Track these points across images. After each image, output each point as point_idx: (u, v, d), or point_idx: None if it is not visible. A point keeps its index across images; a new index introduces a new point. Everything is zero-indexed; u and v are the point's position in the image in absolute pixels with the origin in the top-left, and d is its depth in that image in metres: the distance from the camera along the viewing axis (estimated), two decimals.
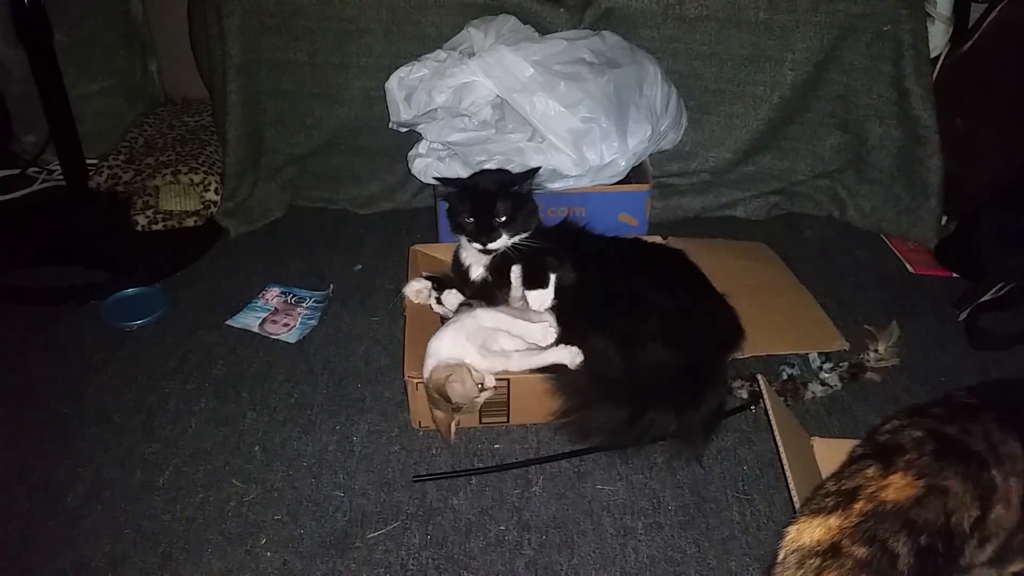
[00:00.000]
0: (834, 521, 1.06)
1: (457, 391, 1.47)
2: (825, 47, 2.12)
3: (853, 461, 1.16)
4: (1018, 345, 1.86)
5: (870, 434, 1.23)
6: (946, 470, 1.08)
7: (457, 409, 1.50)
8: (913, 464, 1.08)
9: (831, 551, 1.04)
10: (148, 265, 2.16)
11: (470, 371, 1.49)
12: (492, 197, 1.68)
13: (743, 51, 2.15)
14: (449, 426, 1.53)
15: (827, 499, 1.10)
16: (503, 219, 1.67)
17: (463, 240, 1.77)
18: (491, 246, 1.69)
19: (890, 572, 1.01)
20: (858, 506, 1.06)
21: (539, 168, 1.79)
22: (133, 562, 1.36)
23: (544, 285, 1.64)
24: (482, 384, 1.50)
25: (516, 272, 1.68)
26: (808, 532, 1.07)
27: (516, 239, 1.70)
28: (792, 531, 1.10)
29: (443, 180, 1.81)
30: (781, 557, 1.09)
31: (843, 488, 1.10)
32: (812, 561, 1.05)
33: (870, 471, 1.10)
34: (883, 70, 2.13)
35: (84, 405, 1.71)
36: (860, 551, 1.02)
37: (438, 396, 1.49)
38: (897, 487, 1.06)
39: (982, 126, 2.22)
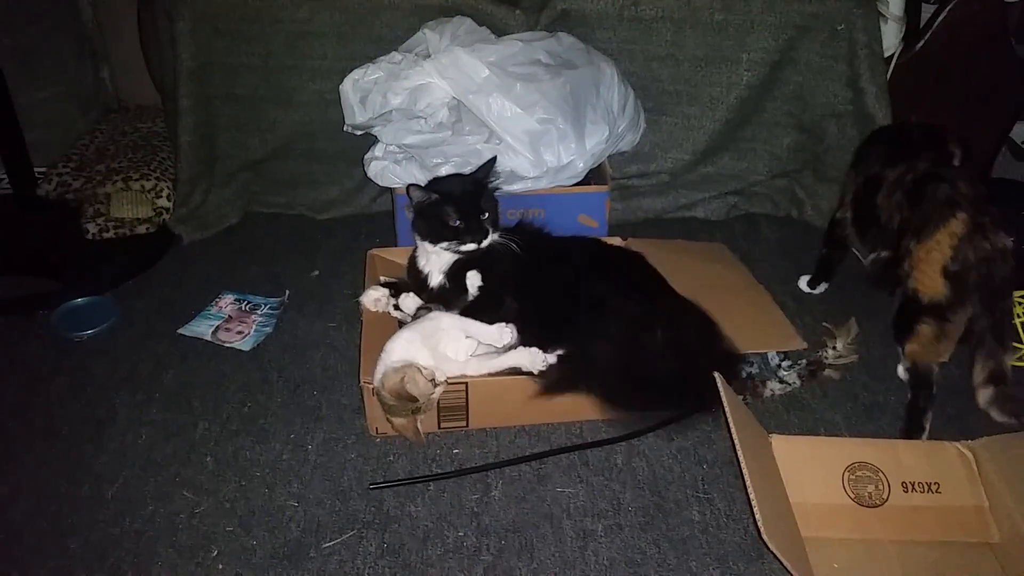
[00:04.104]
0: (961, 215, 1.60)
1: (415, 390, 1.46)
2: (780, 47, 2.13)
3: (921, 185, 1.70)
4: None
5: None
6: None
7: (417, 410, 1.48)
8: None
9: (975, 226, 1.59)
10: (99, 274, 2.11)
11: (419, 370, 1.47)
12: (475, 196, 1.70)
13: (699, 52, 2.16)
14: (414, 428, 1.51)
15: (941, 212, 1.63)
16: (486, 216, 1.69)
17: (421, 246, 1.75)
18: (484, 243, 1.69)
19: (1000, 221, 1.61)
20: (962, 200, 1.62)
21: (495, 157, 1.79)
22: None
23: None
24: (434, 379, 1.49)
25: (472, 277, 1.67)
26: (954, 226, 1.60)
27: (495, 236, 1.72)
28: (941, 234, 1.61)
29: (419, 187, 1.71)
30: (948, 252, 1.59)
31: (938, 201, 1.65)
32: (970, 235, 1.59)
33: (942, 187, 1.66)
34: (838, 69, 2.15)
35: (30, 418, 1.66)
36: (986, 218, 1.60)
37: (396, 402, 1.47)
38: (964, 185, 1.65)
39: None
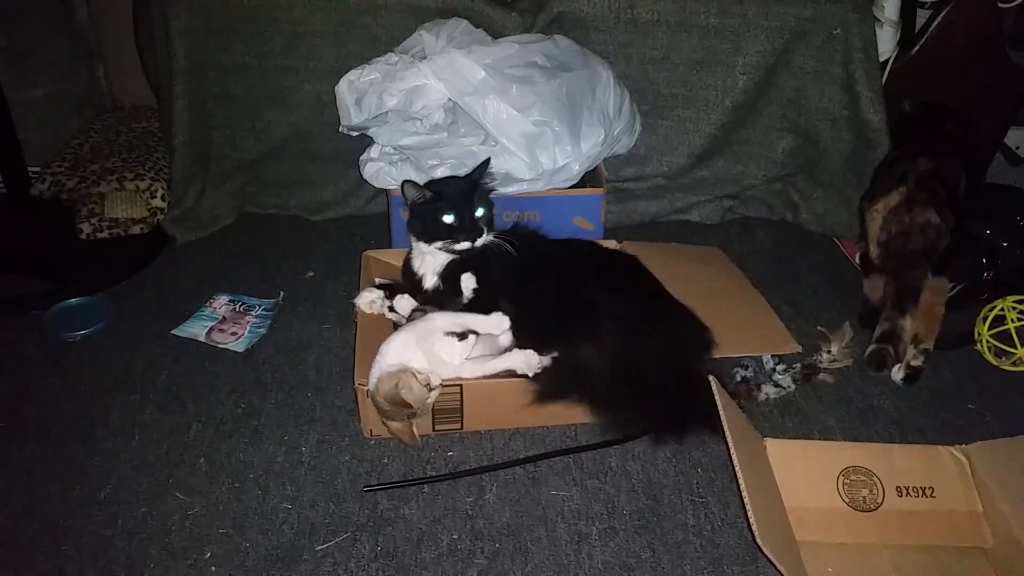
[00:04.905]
0: (902, 189, 1.81)
1: (410, 396, 1.45)
2: (776, 51, 2.13)
3: (893, 163, 1.93)
4: (967, 345, 1.88)
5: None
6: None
7: (413, 415, 1.48)
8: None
9: (908, 200, 1.80)
10: (93, 274, 2.10)
11: (414, 375, 1.46)
12: (469, 195, 1.69)
13: (695, 55, 2.16)
14: (410, 432, 1.51)
15: (889, 183, 1.85)
16: (481, 214, 1.69)
17: (416, 247, 1.75)
18: (479, 243, 1.69)
19: (942, 200, 1.78)
20: (911, 176, 1.82)
21: (489, 158, 1.78)
22: None
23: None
24: (429, 384, 1.48)
25: (467, 280, 1.67)
26: (891, 199, 1.82)
27: (490, 237, 1.71)
28: (879, 203, 1.85)
29: (414, 184, 1.69)
30: (880, 223, 1.83)
31: (895, 174, 1.86)
32: (899, 208, 1.80)
33: (907, 162, 1.85)
34: (833, 74, 2.15)
35: (22, 418, 1.65)
36: (923, 195, 1.79)
37: (390, 407, 1.46)
38: (924, 161, 1.83)
39: None
